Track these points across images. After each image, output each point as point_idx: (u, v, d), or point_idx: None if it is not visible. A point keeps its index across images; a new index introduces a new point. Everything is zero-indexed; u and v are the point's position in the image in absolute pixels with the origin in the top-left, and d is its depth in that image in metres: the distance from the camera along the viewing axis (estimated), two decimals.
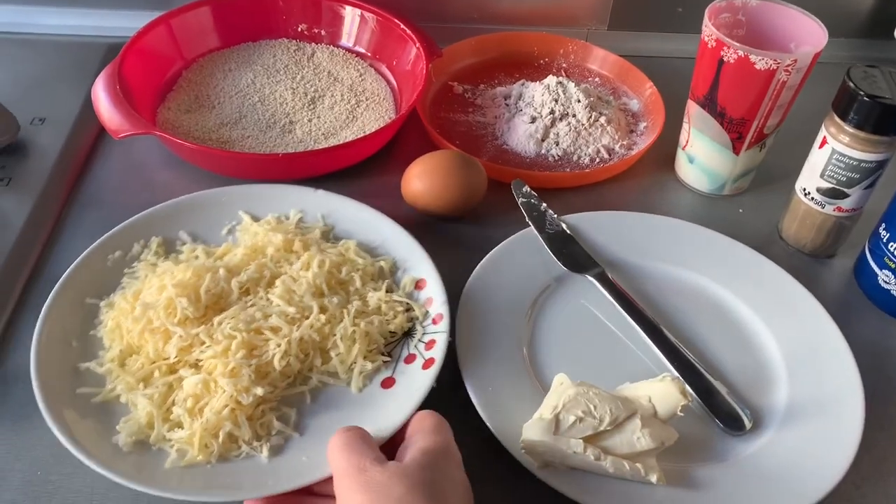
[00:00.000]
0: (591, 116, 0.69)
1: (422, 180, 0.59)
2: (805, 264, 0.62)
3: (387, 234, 0.57)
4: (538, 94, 0.70)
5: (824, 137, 0.56)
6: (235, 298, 0.50)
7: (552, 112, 0.69)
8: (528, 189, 0.62)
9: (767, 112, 0.60)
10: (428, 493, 0.36)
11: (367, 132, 0.67)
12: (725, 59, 0.58)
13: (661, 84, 0.73)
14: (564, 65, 0.79)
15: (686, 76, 0.76)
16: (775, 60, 0.56)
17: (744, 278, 0.57)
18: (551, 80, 0.71)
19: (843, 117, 0.54)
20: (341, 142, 0.66)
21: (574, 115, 0.69)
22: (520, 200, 0.61)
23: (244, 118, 0.67)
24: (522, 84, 0.75)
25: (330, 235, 0.57)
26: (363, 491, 0.36)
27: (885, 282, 0.57)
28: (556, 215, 0.59)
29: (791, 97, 0.59)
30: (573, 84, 0.71)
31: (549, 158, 0.68)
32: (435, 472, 0.37)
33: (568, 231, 0.58)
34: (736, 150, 0.63)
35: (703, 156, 0.64)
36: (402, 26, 0.72)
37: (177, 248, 0.55)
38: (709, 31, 0.59)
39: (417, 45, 0.70)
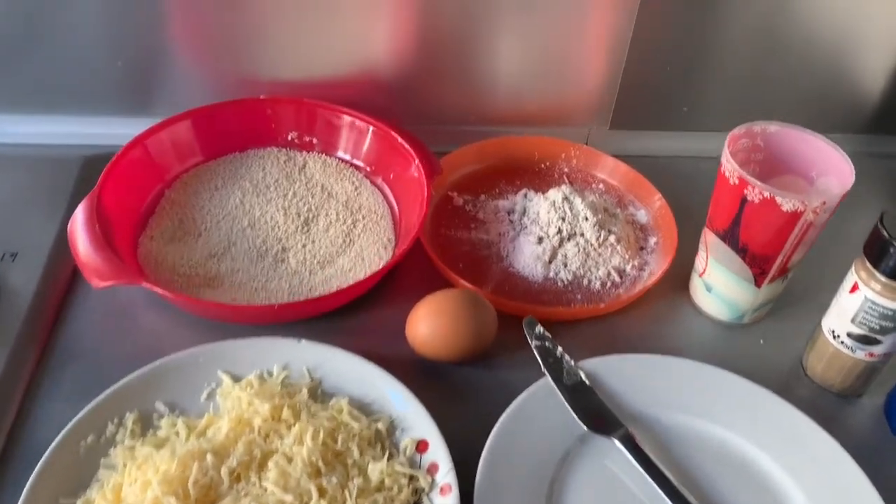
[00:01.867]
0: (599, 235, 0.66)
1: (427, 326, 0.55)
2: (832, 404, 0.58)
3: (381, 388, 0.52)
4: (543, 211, 0.67)
5: (855, 283, 0.53)
6: (227, 489, 0.45)
7: (559, 231, 0.66)
8: (542, 330, 0.58)
9: (792, 249, 0.57)
10: None
11: (366, 257, 0.63)
12: (749, 198, 0.55)
13: (668, 189, 0.71)
14: (566, 169, 0.76)
15: (693, 178, 0.73)
16: (803, 202, 0.53)
17: (772, 431, 0.53)
18: (556, 195, 0.68)
19: (876, 265, 0.51)
20: (338, 271, 0.62)
21: (582, 235, 0.66)
22: (534, 344, 0.57)
23: (233, 247, 0.63)
24: (525, 196, 0.71)
25: (318, 392, 0.53)
26: None
27: None
28: (572, 362, 0.56)
29: (817, 234, 0.56)
30: (580, 199, 0.67)
31: (559, 283, 0.65)
32: None
33: (587, 381, 0.55)
34: (758, 284, 0.59)
35: (722, 286, 0.61)
36: (401, 140, 0.68)
37: (154, 422, 0.50)
38: (731, 166, 0.55)
39: (417, 161, 0.66)
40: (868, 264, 0.52)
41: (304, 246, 0.64)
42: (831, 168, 0.58)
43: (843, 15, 0.73)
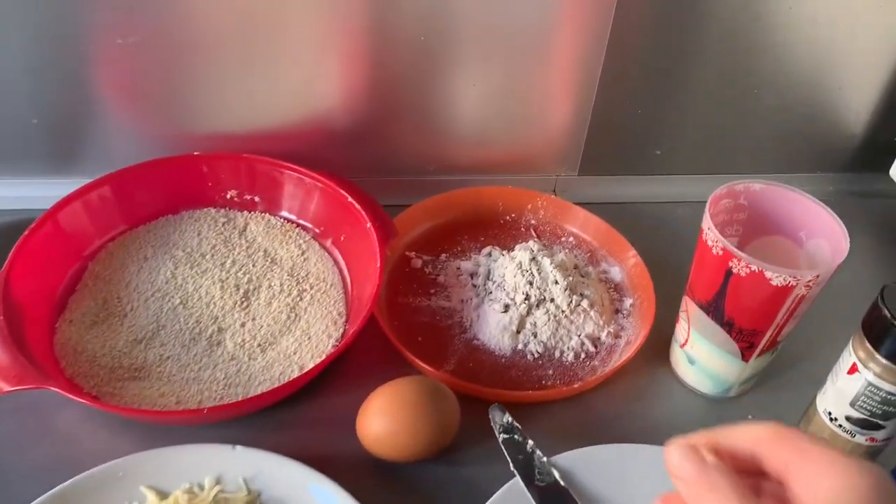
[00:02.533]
0: (571, 301, 0.60)
1: (380, 424, 0.49)
2: None
3: (327, 499, 0.46)
4: (510, 274, 0.61)
5: (854, 364, 0.48)
6: None
7: (527, 297, 0.60)
8: (510, 420, 0.52)
9: (783, 324, 0.51)
10: None
11: (312, 336, 0.57)
12: (735, 270, 0.49)
13: (642, 239, 0.65)
14: (534, 222, 0.70)
15: (669, 225, 0.69)
16: (794, 277, 0.48)
17: None
18: (523, 255, 0.62)
19: (876, 346, 0.46)
20: (280, 354, 0.55)
21: (552, 300, 0.60)
22: (501, 437, 0.51)
23: (163, 329, 0.56)
24: (489, 255, 0.65)
25: None
26: None
27: None
28: (545, 458, 0.50)
29: (810, 305, 0.51)
30: (548, 260, 0.61)
31: (528, 356, 0.59)
32: None
33: (561, 482, 0.49)
34: (745, 358, 0.54)
35: (705, 360, 0.56)
36: (350, 199, 0.62)
37: None
38: (713, 235, 0.50)
39: (369, 223, 0.60)
40: (867, 344, 0.47)
41: (242, 325, 0.57)
42: (822, 230, 0.53)
43: (823, 51, 0.69)
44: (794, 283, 0.48)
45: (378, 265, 0.57)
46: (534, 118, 0.70)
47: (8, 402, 0.52)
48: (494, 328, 0.59)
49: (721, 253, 0.50)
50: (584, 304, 0.60)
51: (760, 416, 0.57)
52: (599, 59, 0.66)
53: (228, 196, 0.66)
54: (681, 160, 0.75)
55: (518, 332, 0.59)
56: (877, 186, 0.77)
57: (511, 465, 0.49)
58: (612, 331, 0.61)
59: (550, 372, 0.58)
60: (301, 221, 0.65)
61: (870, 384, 0.47)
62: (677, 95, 0.71)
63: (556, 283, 0.60)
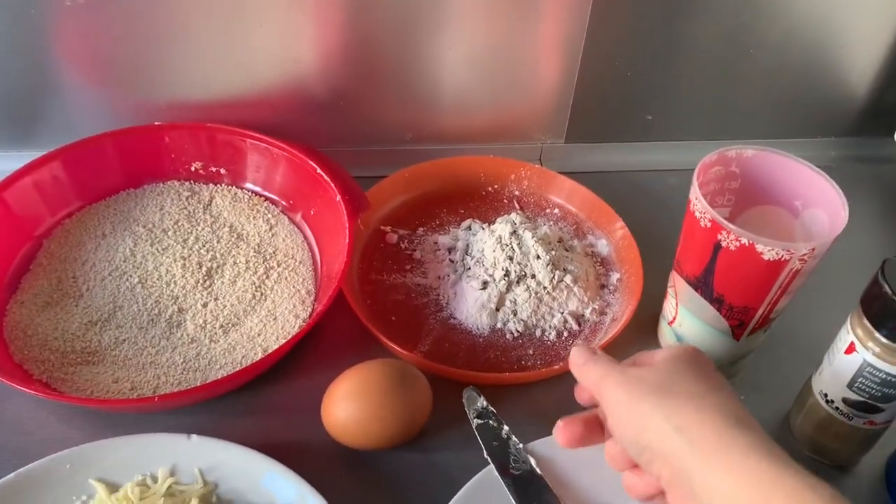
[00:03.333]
0: (553, 276, 0.57)
1: (345, 410, 0.46)
2: (824, 471, 0.50)
3: (289, 492, 0.43)
4: (489, 249, 0.58)
5: (851, 343, 0.45)
6: None
7: (506, 273, 0.56)
8: (484, 404, 0.49)
9: (775, 300, 0.48)
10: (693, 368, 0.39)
11: (279, 316, 0.54)
12: (724, 244, 0.46)
13: (631, 210, 0.62)
14: (517, 193, 0.66)
15: (660, 196, 0.65)
16: (788, 251, 0.44)
17: None
18: (503, 228, 0.58)
19: (876, 325, 0.43)
20: (244, 336, 0.52)
21: (533, 276, 0.57)
22: (475, 423, 0.48)
23: (119, 311, 0.53)
24: (469, 229, 0.62)
25: (213, 499, 0.43)
26: (625, 383, 0.38)
27: None
28: (520, 444, 0.47)
29: (805, 279, 0.48)
30: (529, 234, 0.58)
31: (507, 335, 0.56)
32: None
33: (537, 469, 0.46)
34: (736, 336, 0.51)
35: (695, 338, 0.52)
36: (319, 170, 0.58)
37: None
38: (701, 206, 0.46)
39: (338, 196, 0.56)
40: (866, 322, 0.43)
41: (204, 305, 0.54)
42: (819, 199, 0.49)
43: (824, 8, 0.64)
44: (788, 257, 0.45)
45: (347, 240, 0.53)
46: (517, 82, 0.67)
47: None
48: (472, 306, 0.56)
49: (709, 225, 0.46)
50: (568, 279, 0.57)
51: (753, 396, 0.54)
52: (585, 18, 0.62)
53: (192, 168, 0.62)
54: (673, 126, 0.71)
55: (497, 310, 0.56)
56: (882, 151, 0.73)
57: (485, 452, 0.46)
58: (596, 307, 0.58)
59: (531, 352, 0.55)
60: (269, 194, 0.62)
61: (868, 364, 0.44)
62: (669, 57, 0.66)
63: (538, 258, 0.57)
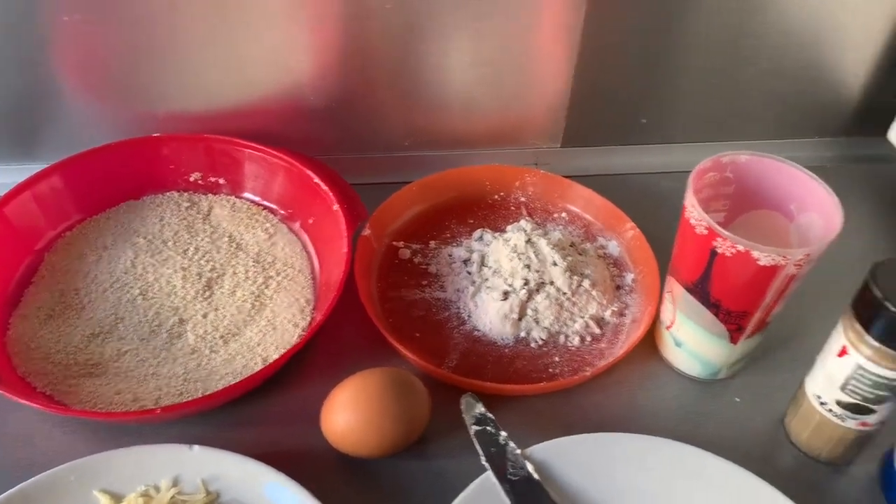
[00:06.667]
0: (572, 282, 0.57)
1: (344, 419, 0.46)
2: (819, 473, 0.51)
3: (288, 500, 0.44)
4: (505, 259, 0.58)
5: (844, 346, 0.45)
6: None
7: (526, 282, 0.56)
8: (482, 410, 0.49)
9: (772, 305, 0.48)
10: None
11: (278, 325, 0.54)
12: (720, 251, 0.46)
13: (632, 214, 0.62)
14: (523, 199, 0.67)
15: (656, 200, 0.65)
16: (783, 256, 0.45)
17: None
18: (517, 237, 0.58)
19: (867, 329, 0.43)
20: (244, 346, 0.53)
21: (552, 283, 0.57)
22: (473, 430, 0.48)
23: (121, 322, 0.53)
24: (481, 239, 0.62)
25: None
26: None
27: None
28: (518, 450, 0.47)
29: (800, 285, 0.48)
30: (544, 241, 0.58)
31: (532, 344, 0.56)
32: None
33: (535, 475, 0.46)
34: (734, 340, 0.51)
35: (692, 343, 0.53)
36: (317, 179, 0.59)
37: None
38: (697, 213, 0.47)
39: (336, 205, 0.57)
40: (858, 325, 0.44)
41: (205, 315, 0.54)
42: (813, 203, 0.49)
43: (818, 10, 0.64)
44: (784, 263, 0.45)
45: (345, 249, 0.54)
46: (514, 88, 0.67)
47: None
48: (494, 317, 0.56)
49: (705, 232, 0.46)
50: (586, 283, 0.57)
51: (749, 398, 0.55)
52: (579, 21, 0.62)
53: (192, 179, 0.63)
54: (669, 128, 0.71)
55: (519, 319, 0.56)
56: (877, 151, 0.73)
57: (483, 458, 0.47)
58: (615, 309, 0.58)
59: (557, 359, 0.55)
60: (267, 203, 0.62)
61: (860, 367, 0.44)
62: (664, 60, 0.67)
63: (555, 264, 0.57)
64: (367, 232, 0.59)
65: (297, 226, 0.61)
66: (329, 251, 0.57)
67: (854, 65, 0.70)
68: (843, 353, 0.45)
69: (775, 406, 0.53)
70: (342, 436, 0.47)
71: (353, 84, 0.65)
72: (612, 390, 0.54)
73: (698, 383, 0.55)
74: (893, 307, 0.41)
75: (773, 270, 0.45)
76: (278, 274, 0.57)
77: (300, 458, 0.48)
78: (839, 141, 0.75)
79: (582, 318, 0.57)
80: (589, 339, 0.56)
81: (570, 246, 0.61)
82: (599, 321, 0.57)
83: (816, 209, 0.49)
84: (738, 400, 0.55)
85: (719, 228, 0.45)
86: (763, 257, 0.45)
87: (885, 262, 0.44)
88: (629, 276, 0.61)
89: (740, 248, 0.45)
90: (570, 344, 0.56)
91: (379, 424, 0.46)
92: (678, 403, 0.54)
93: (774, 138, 0.74)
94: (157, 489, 0.45)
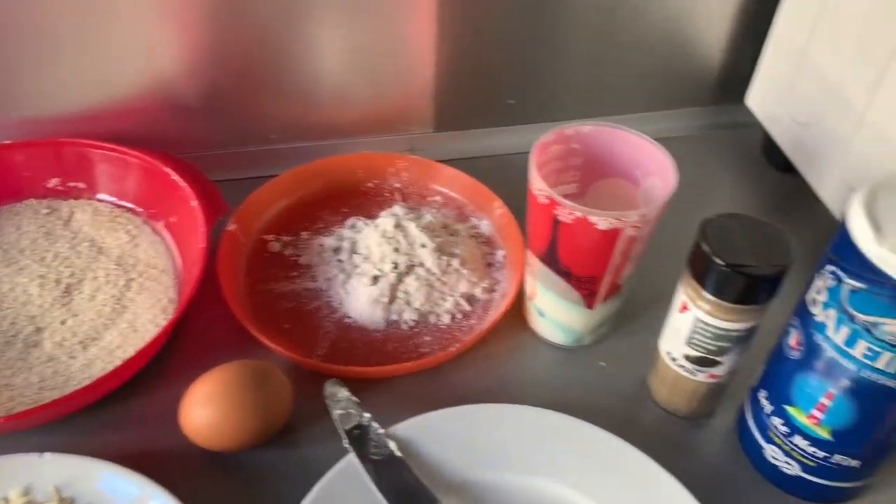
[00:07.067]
0: (441, 262, 0.57)
1: (201, 414, 0.46)
2: (681, 428, 0.53)
3: (153, 500, 0.43)
4: (374, 244, 0.58)
5: (684, 302, 0.47)
6: None
7: (395, 266, 0.57)
8: (346, 394, 0.49)
9: (619, 267, 0.50)
10: None
11: (139, 327, 0.53)
12: (561, 218, 0.47)
13: (506, 192, 0.63)
14: (398, 185, 0.67)
15: (527, 176, 0.67)
16: (619, 219, 0.46)
17: (614, 480, 0.47)
18: (387, 222, 0.59)
19: (701, 283, 0.45)
20: (103, 350, 0.52)
21: (422, 265, 0.57)
22: (336, 414, 0.48)
23: None
24: (353, 227, 0.62)
25: None
26: None
27: (774, 457, 0.48)
28: (381, 430, 0.47)
29: (645, 245, 0.50)
30: (413, 224, 0.59)
31: (403, 326, 0.56)
32: None
33: (397, 452, 0.47)
34: (589, 305, 0.53)
35: (553, 311, 0.54)
36: (175, 175, 0.58)
37: None
38: (538, 184, 0.48)
39: (195, 200, 0.56)
40: (693, 281, 0.46)
41: (63, 322, 0.53)
42: (655, 168, 0.51)
43: None
44: (621, 226, 0.46)
45: (202, 245, 0.53)
46: (382, 75, 0.67)
47: None
48: (365, 303, 0.56)
49: (547, 201, 0.48)
50: (455, 263, 0.58)
51: (614, 362, 0.56)
52: (433, 5, 0.63)
53: (50, 185, 0.61)
54: (536, 108, 0.72)
55: (390, 303, 0.56)
56: (737, 118, 0.76)
57: (345, 440, 0.47)
58: (486, 286, 0.59)
59: (427, 338, 0.55)
60: (128, 205, 0.61)
61: (700, 321, 0.46)
62: (526, 40, 0.68)
63: (424, 246, 0.58)
64: (232, 227, 0.58)
65: (160, 225, 0.60)
66: (190, 249, 0.56)
67: (713, 36, 0.72)
68: (684, 308, 0.47)
69: (638, 368, 0.55)
70: (200, 431, 0.46)
71: (221, 79, 0.64)
72: (481, 365, 0.55)
73: (564, 351, 0.56)
74: (721, 261, 0.43)
75: (613, 234, 0.47)
76: (140, 275, 0.56)
77: (162, 457, 0.47)
78: (707, 110, 0.78)
79: (452, 296, 0.57)
80: (459, 316, 0.57)
81: (443, 227, 0.61)
82: (470, 299, 0.58)
83: (658, 174, 0.51)
84: (602, 364, 0.56)
85: (558, 196, 0.46)
86: (601, 221, 0.46)
87: (713, 218, 0.45)
88: (500, 254, 0.62)
89: (578, 214, 0.46)
90: (440, 322, 0.57)
91: (236, 417, 0.46)
92: (546, 373, 0.55)
93: (643, 111, 0.75)
94: (7, 500, 0.43)
